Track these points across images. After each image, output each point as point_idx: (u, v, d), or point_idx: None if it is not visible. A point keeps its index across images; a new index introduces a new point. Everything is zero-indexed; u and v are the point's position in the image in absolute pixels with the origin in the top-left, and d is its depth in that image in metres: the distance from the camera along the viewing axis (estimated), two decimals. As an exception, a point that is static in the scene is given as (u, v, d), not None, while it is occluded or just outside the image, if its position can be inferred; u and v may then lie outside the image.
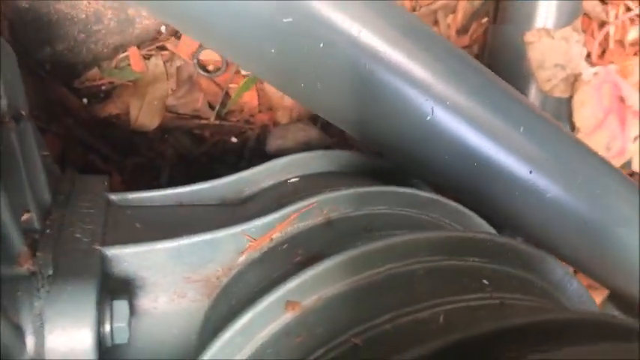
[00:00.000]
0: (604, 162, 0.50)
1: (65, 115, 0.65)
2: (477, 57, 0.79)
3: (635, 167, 0.80)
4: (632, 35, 0.87)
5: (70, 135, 0.66)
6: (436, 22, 0.77)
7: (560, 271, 0.37)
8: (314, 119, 0.72)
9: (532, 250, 0.35)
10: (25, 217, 0.36)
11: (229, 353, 0.31)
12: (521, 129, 0.44)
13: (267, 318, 0.31)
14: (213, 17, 0.34)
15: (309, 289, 0.32)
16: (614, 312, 0.84)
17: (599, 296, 0.95)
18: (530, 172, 0.45)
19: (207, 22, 0.34)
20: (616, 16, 0.84)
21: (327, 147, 0.68)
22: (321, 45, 0.37)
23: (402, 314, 0.29)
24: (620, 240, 0.49)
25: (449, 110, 0.41)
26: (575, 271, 0.95)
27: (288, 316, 0.31)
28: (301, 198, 0.42)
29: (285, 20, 0.35)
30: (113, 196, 0.45)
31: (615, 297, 0.76)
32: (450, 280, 0.32)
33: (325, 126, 0.73)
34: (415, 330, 0.27)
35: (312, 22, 0.36)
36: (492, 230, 0.45)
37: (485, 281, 0.32)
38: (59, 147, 0.65)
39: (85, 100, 0.66)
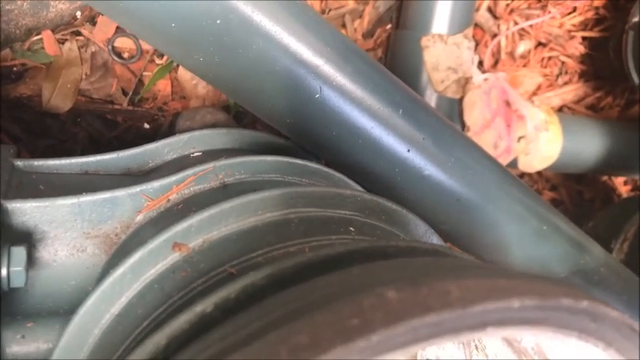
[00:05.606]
0: (475, 146, 0.56)
1: (-27, 94, 0.66)
2: (381, 59, 0.85)
3: (520, 166, 0.89)
4: (521, 48, 0.96)
5: (-22, 114, 0.66)
6: (344, 26, 0.82)
7: (422, 227, 0.42)
8: (226, 108, 0.75)
9: (397, 207, 0.40)
10: None
11: (119, 290, 0.34)
12: (400, 111, 0.49)
13: (155, 257, 0.35)
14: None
15: (195, 232, 0.35)
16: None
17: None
18: (408, 150, 0.50)
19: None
20: (507, 29, 0.93)
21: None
22: (218, 22, 0.41)
23: (275, 249, 0.33)
24: (488, 216, 0.56)
25: (335, 90, 0.46)
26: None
27: (175, 256, 0.35)
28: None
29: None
30: (19, 162, 0.46)
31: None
32: (320, 226, 0.36)
33: (238, 115, 0.77)
34: (283, 260, 0.32)
35: (209, 2, 0.40)
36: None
37: (351, 228, 0.36)
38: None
39: (-5, 80, 0.67)
